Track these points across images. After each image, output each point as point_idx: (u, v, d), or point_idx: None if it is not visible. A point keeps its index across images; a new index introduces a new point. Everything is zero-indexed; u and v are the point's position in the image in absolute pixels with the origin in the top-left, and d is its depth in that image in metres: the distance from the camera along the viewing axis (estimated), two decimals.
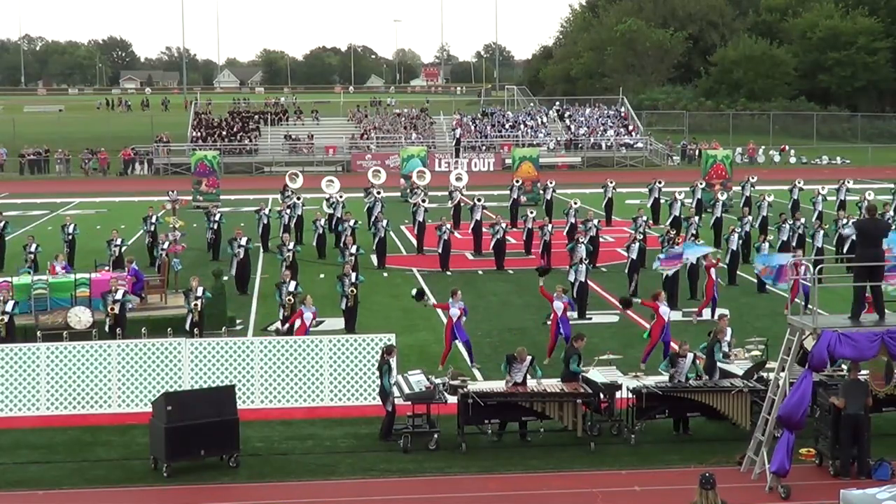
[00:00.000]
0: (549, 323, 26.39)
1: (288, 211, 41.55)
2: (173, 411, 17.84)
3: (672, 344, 23.21)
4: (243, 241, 32.92)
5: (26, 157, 78.39)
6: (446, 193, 48.39)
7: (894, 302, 18.18)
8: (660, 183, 47.68)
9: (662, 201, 46.29)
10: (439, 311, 27.49)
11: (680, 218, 40.39)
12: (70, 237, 37.25)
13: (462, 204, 45.06)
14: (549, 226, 37.08)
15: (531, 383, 20.07)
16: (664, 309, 24.33)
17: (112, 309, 25.38)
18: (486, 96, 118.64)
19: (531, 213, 39.93)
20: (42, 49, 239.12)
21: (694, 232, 35.31)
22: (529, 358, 20.09)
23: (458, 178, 52.13)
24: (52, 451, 19.33)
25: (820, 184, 46.34)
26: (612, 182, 47.95)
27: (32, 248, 34.24)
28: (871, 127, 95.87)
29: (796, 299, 21.21)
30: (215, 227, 38.69)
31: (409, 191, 54.36)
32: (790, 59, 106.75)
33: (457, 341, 24.28)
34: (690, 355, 20.27)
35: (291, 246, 32.83)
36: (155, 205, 42.40)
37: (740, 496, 15.96)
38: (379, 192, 45.02)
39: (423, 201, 41.34)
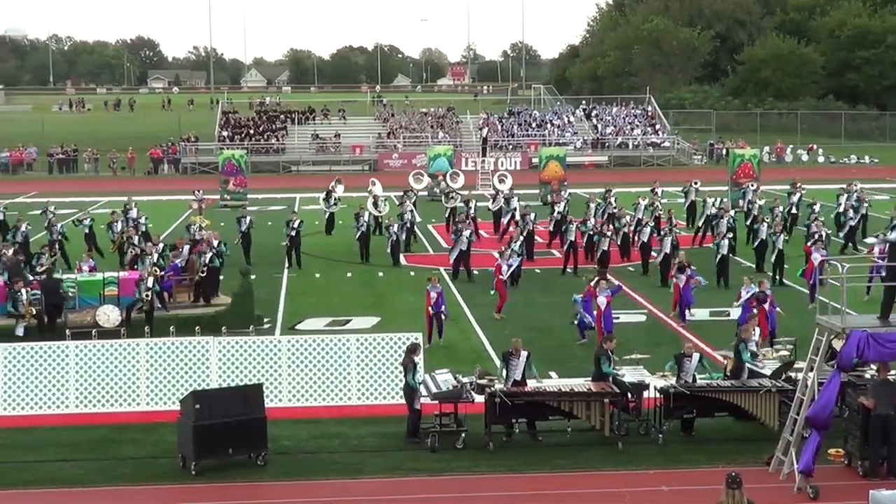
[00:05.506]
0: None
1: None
2: (201, 409, 17.92)
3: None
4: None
5: (55, 156, 78.88)
6: (491, 194, 47.81)
7: None
8: (696, 184, 46.79)
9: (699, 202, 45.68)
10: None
11: (710, 217, 39.93)
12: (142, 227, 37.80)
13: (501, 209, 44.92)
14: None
15: (531, 383, 20.08)
16: (601, 299, 25.01)
17: (147, 296, 26.57)
18: (512, 95, 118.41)
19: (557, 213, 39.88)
20: (70, 49, 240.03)
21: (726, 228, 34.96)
22: (525, 353, 20.07)
23: (502, 180, 50.42)
24: (81, 449, 19.44)
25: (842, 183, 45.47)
26: (696, 182, 46.69)
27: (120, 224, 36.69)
28: None
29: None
30: (246, 231, 37.81)
31: (443, 194, 52.74)
32: (818, 57, 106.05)
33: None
34: (696, 355, 20.18)
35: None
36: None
37: (768, 496, 15.89)
38: (413, 197, 44.68)
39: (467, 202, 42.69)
